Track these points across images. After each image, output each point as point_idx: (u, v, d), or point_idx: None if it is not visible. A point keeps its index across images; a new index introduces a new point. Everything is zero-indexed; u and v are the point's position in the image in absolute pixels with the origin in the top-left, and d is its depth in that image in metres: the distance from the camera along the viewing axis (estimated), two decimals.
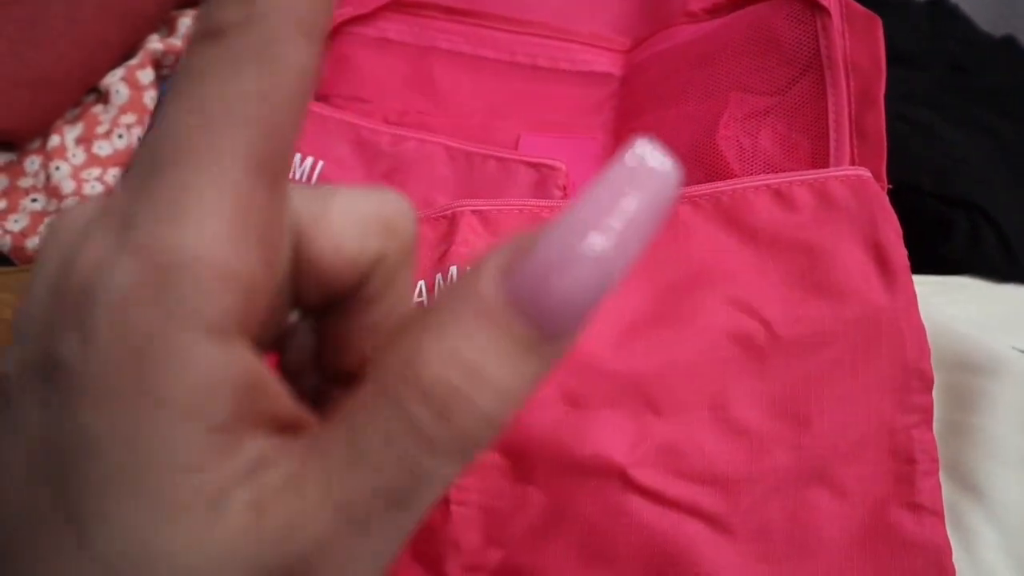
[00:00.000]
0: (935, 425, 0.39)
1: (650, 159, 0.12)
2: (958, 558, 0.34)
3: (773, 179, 0.34)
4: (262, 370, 0.12)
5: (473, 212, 0.36)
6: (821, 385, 0.31)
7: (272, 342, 0.17)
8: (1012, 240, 0.50)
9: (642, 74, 0.48)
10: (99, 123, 0.52)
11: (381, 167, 0.46)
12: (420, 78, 0.51)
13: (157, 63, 0.55)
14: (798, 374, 0.31)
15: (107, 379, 0.11)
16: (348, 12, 0.52)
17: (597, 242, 0.12)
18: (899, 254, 0.32)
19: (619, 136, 0.48)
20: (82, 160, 0.50)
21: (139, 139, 0.52)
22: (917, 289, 0.47)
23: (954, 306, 0.45)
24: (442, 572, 0.31)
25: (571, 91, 0.50)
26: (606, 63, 0.50)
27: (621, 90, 0.50)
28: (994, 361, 0.39)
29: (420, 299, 0.34)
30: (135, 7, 0.54)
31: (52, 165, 0.49)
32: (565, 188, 0.43)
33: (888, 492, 0.30)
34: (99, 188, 0.49)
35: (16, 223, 0.48)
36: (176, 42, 0.56)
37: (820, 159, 0.38)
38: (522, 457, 0.31)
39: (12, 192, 0.49)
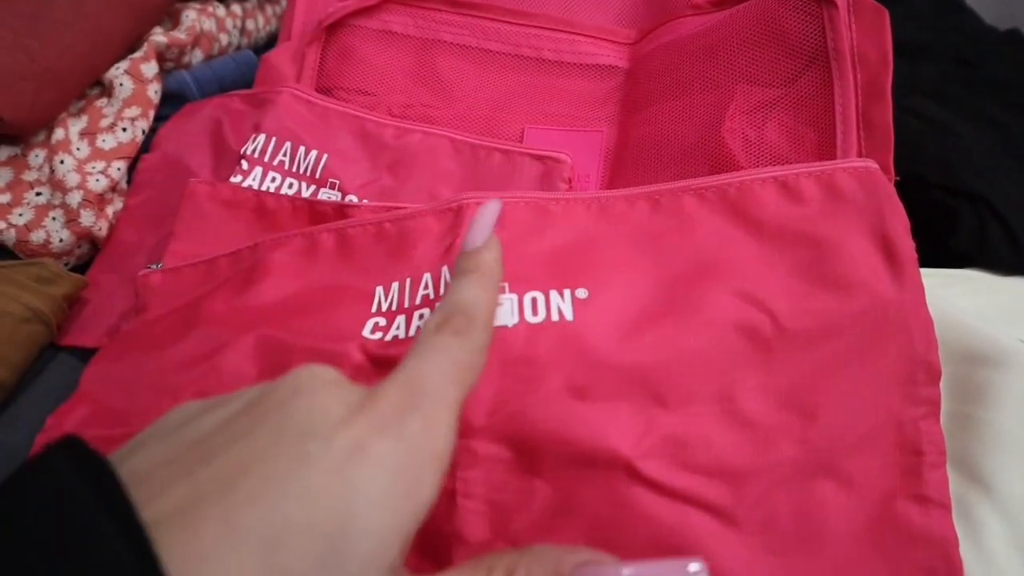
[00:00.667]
0: (942, 418, 0.39)
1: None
2: (965, 550, 0.34)
3: (780, 171, 0.33)
4: None
5: (479, 204, 0.35)
6: (828, 377, 0.31)
7: None
8: (1018, 233, 0.50)
9: (647, 66, 0.48)
10: (103, 116, 0.52)
11: (386, 160, 0.46)
12: (425, 71, 0.51)
13: (161, 56, 0.55)
14: (805, 366, 0.31)
15: None
16: (353, 5, 0.52)
17: None
18: (907, 246, 0.32)
19: (624, 129, 0.47)
20: (86, 154, 0.50)
21: (143, 132, 0.52)
22: (923, 282, 0.47)
23: (960, 299, 0.45)
24: (448, 564, 0.31)
25: (576, 84, 0.50)
26: (611, 56, 0.50)
27: (626, 83, 0.49)
28: (1001, 353, 0.39)
29: (425, 291, 0.34)
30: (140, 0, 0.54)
31: (56, 158, 0.48)
32: (570, 181, 0.43)
33: (895, 484, 0.30)
34: (103, 181, 0.49)
35: (20, 217, 0.48)
36: (180, 35, 0.56)
37: (827, 151, 0.38)
38: (528, 450, 0.31)
39: (16, 185, 0.49)
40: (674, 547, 0.29)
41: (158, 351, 0.37)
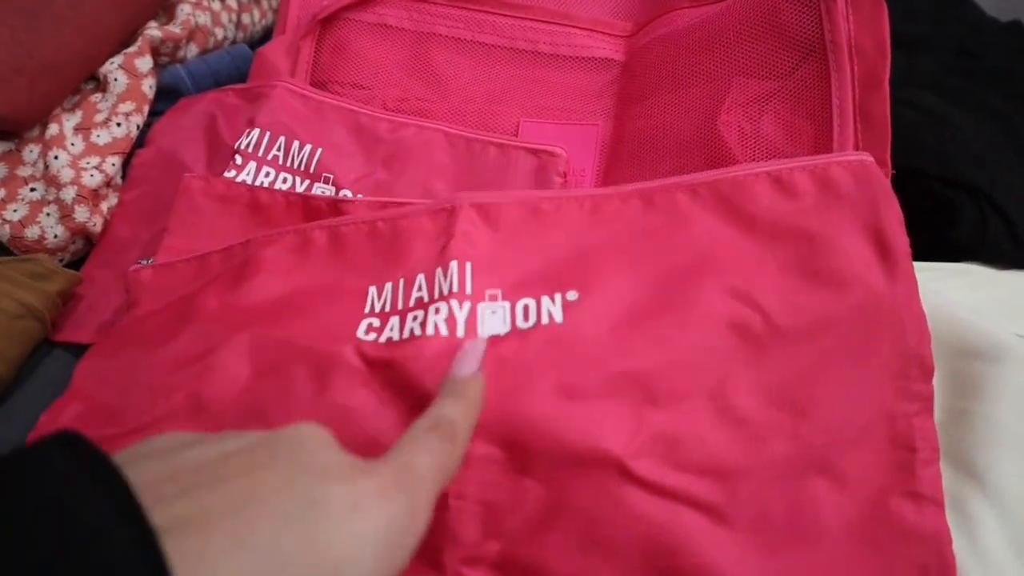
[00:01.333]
0: (936, 412, 0.38)
1: None
2: (959, 545, 0.33)
3: (774, 166, 0.33)
4: None
5: (472, 205, 0.35)
6: (820, 374, 0.30)
7: None
8: (1019, 226, 0.49)
9: (643, 59, 0.48)
10: (97, 111, 0.51)
11: (380, 154, 0.46)
12: (419, 64, 0.51)
13: (155, 50, 0.55)
14: (797, 363, 0.31)
15: None
16: None
17: None
18: (900, 240, 0.32)
19: (620, 122, 0.47)
20: (81, 149, 0.50)
21: (137, 127, 0.52)
22: (919, 275, 0.46)
23: (957, 292, 0.45)
24: (440, 565, 0.30)
25: (572, 77, 0.50)
26: (607, 48, 0.50)
27: (622, 76, 0.49)
28: (997, 348, 0.39)
29: (419, 293, 0.34)
30: None
31: (51, 154, 0.48)
32: (565, 175, 0.43)
33: (888, 481, 0.29)
34: (98, 177, 0.49)
35: (15, 212, 0.48)
36: (175, 29, 0.56)
37: (823, 144, 0.37)
38: (520, 450, 0.31)
39: (10, 181, 0.49)
40: (666, 544, 0.29)
41: (151, 348, 0.37)
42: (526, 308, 0.32)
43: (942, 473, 0.36)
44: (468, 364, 0.30)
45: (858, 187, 0.32)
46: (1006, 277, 0.48)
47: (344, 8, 0.51)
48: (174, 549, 0.15)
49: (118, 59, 0.53)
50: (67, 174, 0.48)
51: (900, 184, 0.41)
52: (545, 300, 0.33)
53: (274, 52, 0.52)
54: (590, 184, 0.46)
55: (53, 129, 0.50)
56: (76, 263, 0.51)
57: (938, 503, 0.29)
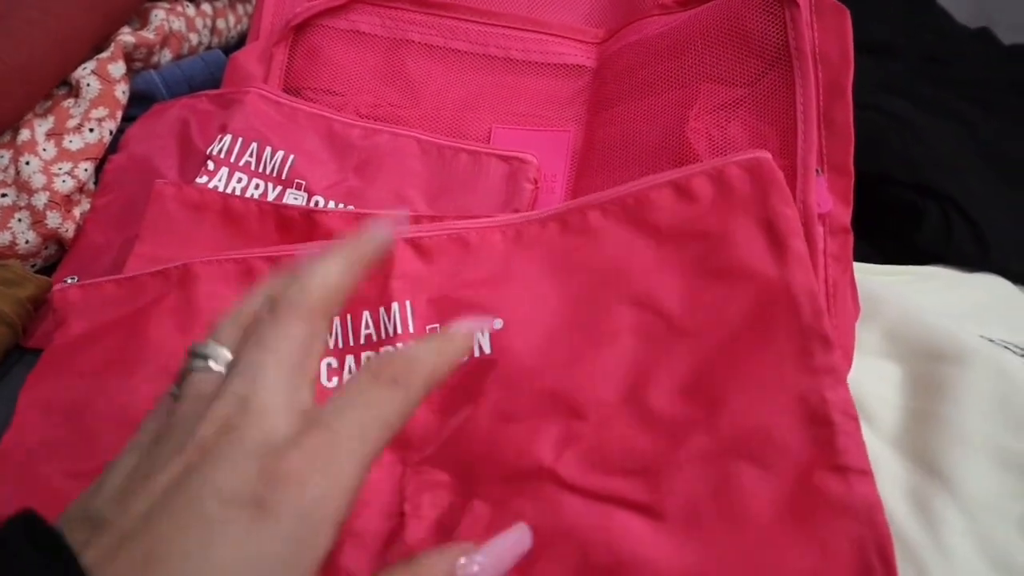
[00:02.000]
0: (902, 413, 0.39)
1: None
2: (924, 544, 0.34)
3: (676, 174, 0.35)
4: None
5: (404, 241, 0.37)
6: (726, 365, 0.32)
7: None
8: (984, 230, 0.50)
9: (614, 66, 0.48)
10: (70, 117, 0.51)
11: (353, 160, 0.46)
12: (392, 71, 0.51)
13: (128, 56, 0.55)
14: (703, 359, 0.32)
15: None
16: (320, 5, 0.51)
17: None
18: (787, 222, 0.33)
19: (591, 128, 0.48)
20: (53, 154, 0.49)
21: (110, 133, 0.52)
22: (888, 279, 0.48)
23: (924, 296, 0.46)
24: None
25: (544, 83, 0.50)
26: (579, 55, 0.50)
27: (593, 82, 0.49)
28: (962, 350, 0.39)
29: (368, 331, 0.36)
30: None
31: (22, 160, 0.48)
32: (536, 181, 0.43)
33: (810, 458, 0.30)
34: (70, 183, 0.49)
35: None
36: (148, 35, 0.56)
37: (788, 151, 0.38)
38: (464, 473, 0.33)
39: None
40: (602, 546, 0.30)
41: (108, 381, 0.37)
42: None
43: (903, 469, 0.37)
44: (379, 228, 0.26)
45: (751, 182, 0.34)
46: (972, 280, 0.49)
47: (317, 15, 0.52)
48: None
49: (91, 64, 0.53)
50: (39, 180, 0.48)
51: (866, 188, 0.41)
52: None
53: (247, 58, 0.52)
54: (561, 190, 0.46)
55: (25, 134, 0.49)
56: (48, 269, 0.51)
57: (864, 472, 0.29)
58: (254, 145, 0.46)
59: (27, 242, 0.48)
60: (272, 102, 0.48)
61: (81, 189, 0.51)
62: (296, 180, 0.45)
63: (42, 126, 0.50)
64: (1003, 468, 0.36)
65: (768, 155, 0.34)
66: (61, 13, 0.50)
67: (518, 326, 0.35)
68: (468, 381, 0.34)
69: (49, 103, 0.52)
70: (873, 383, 0.40)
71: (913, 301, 0.44)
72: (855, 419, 0.30)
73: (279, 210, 0.42)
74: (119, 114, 0.53)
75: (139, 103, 0.56)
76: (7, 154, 0.49)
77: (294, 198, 0.45)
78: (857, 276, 0.40)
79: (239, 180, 0.45)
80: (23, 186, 0.48)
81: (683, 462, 0.31)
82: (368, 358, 0.35)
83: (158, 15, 0.58)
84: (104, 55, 0.53)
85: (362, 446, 0.20)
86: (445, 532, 0.32)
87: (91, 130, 0.51)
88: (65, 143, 0.50)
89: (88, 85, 0.52)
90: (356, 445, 0.20)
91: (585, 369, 0.33)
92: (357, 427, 0.20)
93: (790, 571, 0.28)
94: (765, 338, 0.31)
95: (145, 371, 0.37)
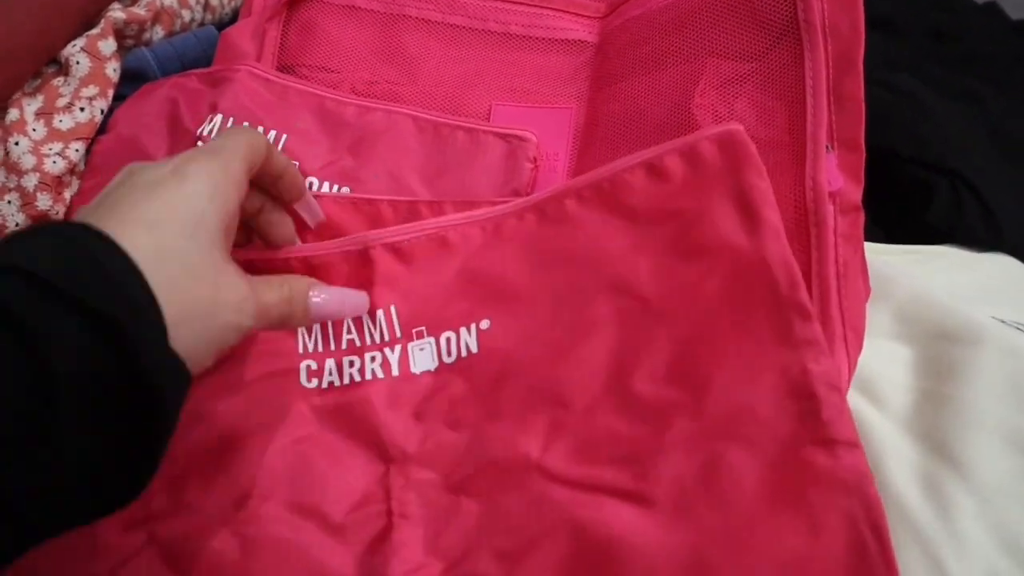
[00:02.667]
0: (913, 395, 0.38)
1: None
2: (937, 528, 0.33)
3: (648, 154, 0.34)
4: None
5: (384, 246, 0.37)
6: (707, 345, 0.31)
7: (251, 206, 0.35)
8: (994, 207, 0.49)
9: (616, 41, 0.47)
10: (59, 96, 0.50)
11: (346, 139, 0.45)
12: (389, 47, 0.50)
13: (119, 33, 0.54)
14: (684, 341, 0.32)
15: None
16: None
17: None
18: (760, 193, 0.32)
19: (593, 105, 0.46)
20: (43, 134, 0.48)
21: (101, 112, 0.51)
22: (896, 259, 0.47)
23: (934, 275, 0.45)
24: None
25: (545, 59, 0.49)
26: (581, 30, 0.49)
27: (596, 58, 0.48)
28: (973, 331, 0.39)
29: (350, 336, 0.38)
30: None
31: (11, 140, 0.47)
32: (535, 160, 0.42)
33: (796, 433, 0.29)
34: (60, 163, 0.48)
35: None
36: (139, 11, 0.55)
37: (797, 126, 0.37)
38: (453, 472, 0.34)
39: None
40: (592, 535, 0.30)
41: None
42: (448, 341, 0.36)
43: (914, 452, 0.36)
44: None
45: (723, 156, 0.33)
46: (983, 259, 0.48)
47: None
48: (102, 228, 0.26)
49: (80, 42, 0.51)
50: (28, 160, 0.47)
51: (875, 166, 0.40)
52: (463, 331, 0.36)
53: (239, 35, 0.51)
54: (563, 168, 0.45)
55: (13, 114, 0.48)
56: None
57: (852, 443, 0.29)
58: (245, 125, 0.45)
59: (16, 224, 0.47)
60: (262, 80, 0.47)
61: (72, 170, 0.49)
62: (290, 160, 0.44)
63: (31, 105, 0.49)
64: (1016, 450, 0.35)
65: (740, 127, 0.33)
66: None
67: (503, 324, 0.35)
68: (459, 383, 0.35)
69: (38, 81, 0.51)
70: (884, 365, 0.39)
71: (924, 281, 0.43)
72: (838, 389, 0.30)
73: None
74: (110, 92, 0.52)
75: (131, 82, 0.54)
76: None
77: None
78: (867, 256, 0.39)
79: None
80: (12, 167, 0.47)
81: (669, 447, 0.31)
82: (351, 362, 0.37)
83: None
84: (94, 32, 0.52)
85: (240, 156, 0.31)
86: (433, 531, 0.33)
87: (81, 109, 0.50)
88: (55, 123, 0.49)
89: (78, 63, 0.51)
90: (237, 154, 0.31)
91: (568, 361, 0.34)
92: (234, 144, 0.32)
93: (781, 549, 0.28)
94: (743, 314, 0.31)
95: None
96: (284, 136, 0.45)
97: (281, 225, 0.37)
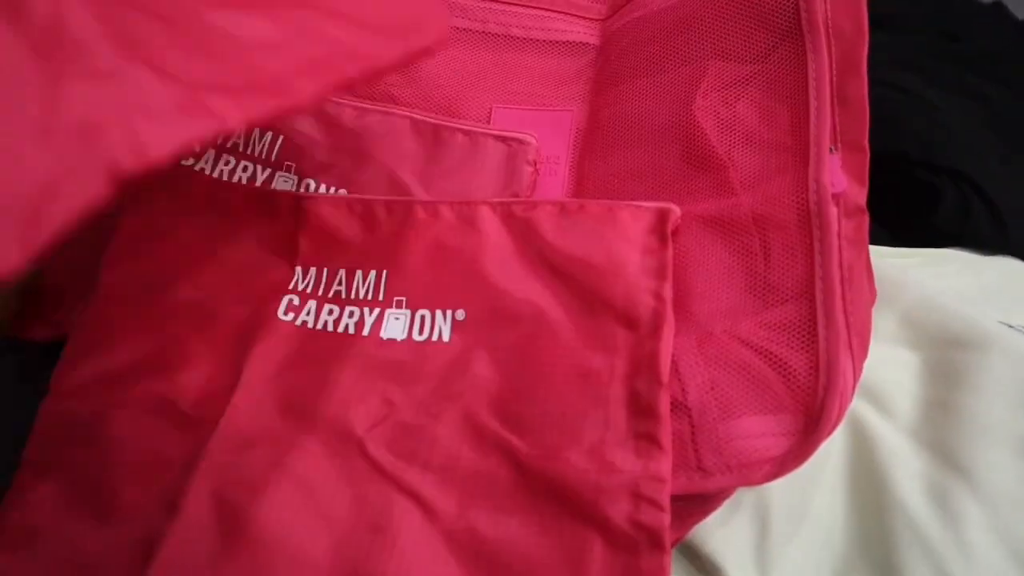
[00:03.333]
0: (919, 403, 0.38)
1: None
2: (944, 540, 0.33)
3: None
4: None
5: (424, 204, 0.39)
6: (533, 363, 0.33)
7: None
8: (1002, 211, 0.49)
9: (618, 43, 0.46)
10: None
11: (344, 142, 0.44)
12: None
13: None
14: (510, 360, 0.34)
15: None
16: None
17: None
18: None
19: (594, 108, 0.46)
20: None
21: None
22: (903, 262, 0.46)
23: (941, 280, 0.44)
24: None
25: (546, 62, 0.48)
26: (582, 32, 0.49)
27: (597, 60, 0.48)
28: (981, 336, 0.38)
29: (339, 287, 0.38)
30: None
31: None
32: (536, 163, 0.42)
33: (599, 438, 0.31)
34: None
35: None
36: None
37: (800, 128, 0.36)
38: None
39: None
40: (372, 523, 0.31)
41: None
42: (422, 319, 0.36)
43: (921, 461, 0.36)
44: None
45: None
46: (990, 263, 0.48)
47: None
48: None
49: None
50: None
51: (881, 168, 0.40)
52: (439, 314, 0.36)
53: None
54: (564, 171, 0.45)
55: None
56: None
57: (660, 420, 0.31)
58: None
59: None
60: None
61: None
62: (286, 162, 0.44)
63: None
64: None
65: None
66: None
67: (477, 321, 0.36)
68: (428, 366, 0.35)
69: None
70: (889, 371, 0.38)
71: (930, 286, 0.42)
72: (662, 384, 0.32)
73: (268, 195, 0.40)
74: None
75: None
76: None
77: (284, 181, 0.44)
78: (872, 259, 0.39)
79: (227, 162, 0.44)
80: None
81: (476, 481, 0.31)
82: (331, 310, 0.37)
83: None
84: None
85: None
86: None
87: None
88: None
89: None
90: None
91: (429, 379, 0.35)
92: None
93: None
94: (580, 325, 0.34)
95: None
96: (281, 137, 0.44)
97: None
